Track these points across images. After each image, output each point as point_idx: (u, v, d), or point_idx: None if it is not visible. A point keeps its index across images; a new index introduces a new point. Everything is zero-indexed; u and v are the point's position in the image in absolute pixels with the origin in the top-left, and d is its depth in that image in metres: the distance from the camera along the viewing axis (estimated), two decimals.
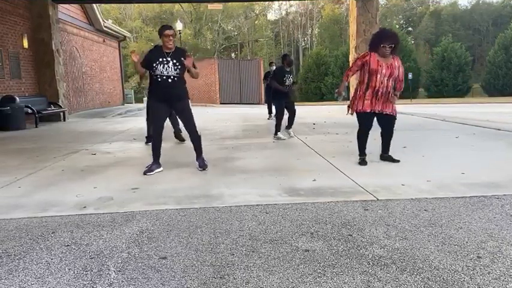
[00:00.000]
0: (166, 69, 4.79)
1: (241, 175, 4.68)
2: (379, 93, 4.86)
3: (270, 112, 12.09)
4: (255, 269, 2.36)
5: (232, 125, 10.53)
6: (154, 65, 4.78)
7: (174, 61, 4.82)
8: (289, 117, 7.75)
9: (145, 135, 7.40)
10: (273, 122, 10.66)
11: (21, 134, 9.58)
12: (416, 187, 3.95)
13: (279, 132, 7.49)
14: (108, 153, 6.51)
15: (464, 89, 34.77)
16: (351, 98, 5.25)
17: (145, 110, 8.25)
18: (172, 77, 4.83)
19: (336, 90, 5.33)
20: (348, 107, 5.14)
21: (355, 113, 5.07)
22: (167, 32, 4.80)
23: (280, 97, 7.52)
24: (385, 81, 4.85)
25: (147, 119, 7.14)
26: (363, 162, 5.05)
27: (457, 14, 53.00)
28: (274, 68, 12.39)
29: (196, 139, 5.13)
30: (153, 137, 5.09)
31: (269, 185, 4.19)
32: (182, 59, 4.86)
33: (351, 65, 5.16)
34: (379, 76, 4.82)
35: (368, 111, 4.92)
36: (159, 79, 4.80)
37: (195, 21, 46.28)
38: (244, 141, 7.37)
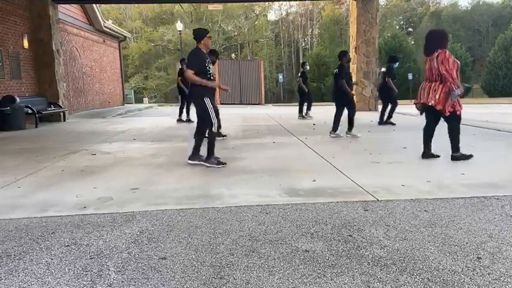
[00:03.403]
0: (211, 68, 5.24)
1: (241, 175, 4.68)
2: None
3: (300, 111, 12.20)
4: (255, 269, 2.36)
5: (232, 125, 10.53)
6: (207, 65, 5.15)
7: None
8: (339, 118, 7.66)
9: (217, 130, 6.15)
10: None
11: (21, 134, 9.58)
12: (416, 188, 3.94)
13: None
14: (108, 153, 6.51)
15: (464, 89, 34.77)
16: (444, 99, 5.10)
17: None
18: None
19: (458, 93, 4.98)
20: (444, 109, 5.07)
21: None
22: (210, 34, 5.37)
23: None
24: None
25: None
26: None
27: (457, 15, 52.95)
28: (308, 68, 12.43)
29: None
30: (215, 132, 5.31)
31: (269, 185, 4.19)
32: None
33: (453, 68, 4.87)
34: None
35: None
36: (211, 77, 5.22)
37: (196, 21, 46.24)
38: (244, 142, 7.38)
